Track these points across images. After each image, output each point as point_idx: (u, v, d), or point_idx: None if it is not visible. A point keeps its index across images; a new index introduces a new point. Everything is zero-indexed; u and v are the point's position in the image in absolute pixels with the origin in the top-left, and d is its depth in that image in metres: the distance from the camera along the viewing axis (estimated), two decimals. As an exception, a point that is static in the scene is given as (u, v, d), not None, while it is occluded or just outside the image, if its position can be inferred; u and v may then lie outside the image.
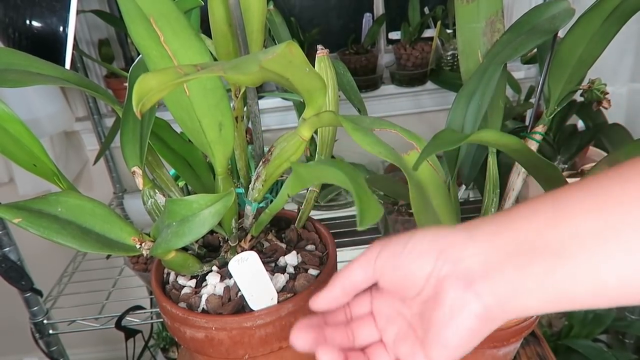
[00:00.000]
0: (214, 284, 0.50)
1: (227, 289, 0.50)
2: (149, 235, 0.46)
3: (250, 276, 0.46)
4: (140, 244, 0.45)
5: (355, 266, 0.34)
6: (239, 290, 0.49)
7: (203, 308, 0.49)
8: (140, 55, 0.49)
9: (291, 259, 0.53)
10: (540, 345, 0.62)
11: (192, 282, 0.52)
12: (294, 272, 0.52)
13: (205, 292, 0.50)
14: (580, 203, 0.27)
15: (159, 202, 0.49)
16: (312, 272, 0.52)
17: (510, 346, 0.55)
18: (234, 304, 0.48)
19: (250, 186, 0.50)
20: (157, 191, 0.49)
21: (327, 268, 0.52)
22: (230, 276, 0.51)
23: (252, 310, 0.47)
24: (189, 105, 0.42)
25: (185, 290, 0.51)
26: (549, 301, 0.27)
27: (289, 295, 0.48)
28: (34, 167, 0.45)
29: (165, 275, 0.55)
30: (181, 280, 0.52)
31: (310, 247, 0.57)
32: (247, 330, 0.46)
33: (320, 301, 0.35)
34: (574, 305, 0.27)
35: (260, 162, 0.49)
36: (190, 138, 0.45)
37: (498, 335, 0.52)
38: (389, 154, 0.38)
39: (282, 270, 0.52)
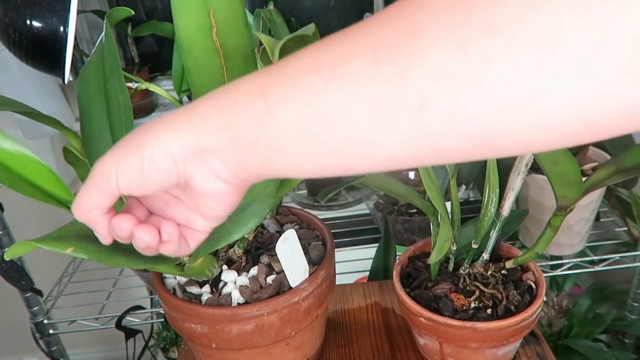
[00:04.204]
0: (233, 280, 0.51)
1: (253, 278, 0.51)
2: None
3: (290, 253, 0.49)
4: None
5: (94, 192, 0.32)
6: (267, 275, 0.51)
7: (238, 303, 0.49)
8: (85, 67, 0.49)
9: None
10: (539, 345, 0.62)
11: (207, 288, 0.52)
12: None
13: (230, 290, 0.50)
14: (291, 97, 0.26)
15: None
16: (315, 243, 0.55)
17: (510, 345, 0.55)
18: (271, 289, 0.49)
19: None
20: None
21: (329, 238, 0.55)
22: (247, 269, 0.52)
23: (291, 288, 0.49)
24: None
25: (205, 297, 0.51)
26: (278, 174, 0.29)
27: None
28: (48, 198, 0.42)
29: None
30: (194, 290, 0.52)
31: (295, 227, 0.58)
32: (294, 306, 0.49)
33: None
34: (297, 176, 0.29)
35: None
36: None
37: (497, 335, 0.52)
38: None
39: None
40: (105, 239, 0.33)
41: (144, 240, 0.33)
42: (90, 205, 0.32)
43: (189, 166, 0.30)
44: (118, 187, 0.31)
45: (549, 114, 0.20)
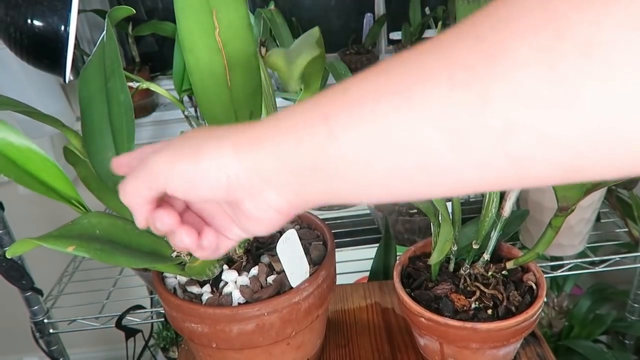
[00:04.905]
0: (233, 279, 0.51)
1: (254, 278, 0.51)
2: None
3: (291, 253, 0.49)
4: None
5: (142, 183, 0.32)
6: (268, 275, 0.51)
7: (238, 302, 0.49)
8: (85, 66, 0.49)
9: None
10: (540, 346, 0.62)
11: (207, 288, 0.52)
12: None
13: (231, 290, 0.51)
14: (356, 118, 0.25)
15: None
16: (316, 243, 0.55)
17: (510, 346, 0.55)
18: (271, 289, 0.49)
19: None
20: None
21: (329, 238, 0.55)
22: (248, 269, 0.52)
23: (291, 288, 0.49)
24: (228, 97, 0.43)
25: (206, 296, 0.51)
26: (339, 201, 0.29)
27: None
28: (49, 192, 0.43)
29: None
30: (194, 289, 0.52)
31: (296, 227, 0.59)
32: (295, 305, 0.49)
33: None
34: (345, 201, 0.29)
35: None
36: None
37: (498, 335, 0.52)
38: None
39: None
40: (141, 224, 0.34)
41: (185, 242, 0.33)
42: (136, 193, 0.32)
43: (240, 191, 0.30)
44: (165, 188, 0.31)
45: None
